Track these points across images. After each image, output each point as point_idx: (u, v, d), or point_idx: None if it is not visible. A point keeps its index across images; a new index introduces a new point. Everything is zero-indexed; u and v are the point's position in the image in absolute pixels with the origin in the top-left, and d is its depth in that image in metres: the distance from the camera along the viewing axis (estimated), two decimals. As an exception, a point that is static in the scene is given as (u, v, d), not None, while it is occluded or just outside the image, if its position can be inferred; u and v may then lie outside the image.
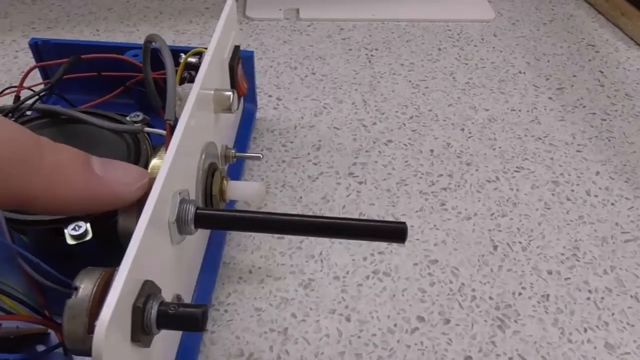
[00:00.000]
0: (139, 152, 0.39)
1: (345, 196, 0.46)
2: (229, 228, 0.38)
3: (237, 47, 0.45)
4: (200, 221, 0.31)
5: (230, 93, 0.40)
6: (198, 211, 0.30)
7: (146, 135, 0.40)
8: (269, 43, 0.65)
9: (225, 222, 0.31)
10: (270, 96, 0.57)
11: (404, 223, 0.30)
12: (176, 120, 0.33)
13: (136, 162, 0.39)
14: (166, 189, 0.28)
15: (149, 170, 0.35)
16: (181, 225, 0.30)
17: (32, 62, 0.53)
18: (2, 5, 0.70)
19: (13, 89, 0.44)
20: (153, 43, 0.39)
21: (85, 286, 0.25)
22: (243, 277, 0.40)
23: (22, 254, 0.31)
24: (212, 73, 0.38)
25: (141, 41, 0.60)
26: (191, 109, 0.34)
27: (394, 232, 0.31)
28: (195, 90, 0.35)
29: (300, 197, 0.46)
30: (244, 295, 0.39)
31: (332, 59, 0.63)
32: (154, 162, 0.35)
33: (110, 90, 0.47)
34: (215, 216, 0.31)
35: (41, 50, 0.51)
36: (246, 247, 0.42)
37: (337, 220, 0.31)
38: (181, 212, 0.30)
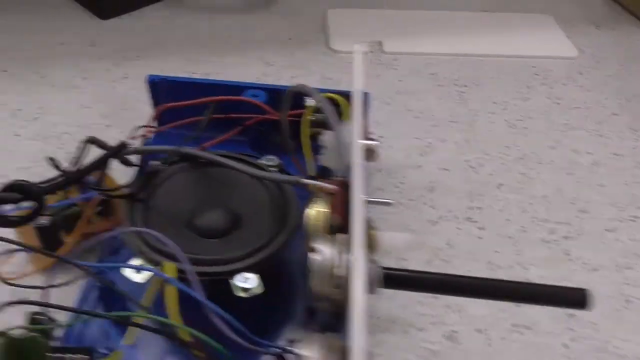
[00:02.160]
0: (284, 200, 0.40)
1: (468, 242, 0.47)
2: (416, 289, 0.37)
3: (366, 94, 0.45)
4: (390, 282, 0.31)
5: (376, 143, 0.40)
6: (386, 271, 0.31)
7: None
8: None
9: (414, 283, 0.32)
10: (372, 133, 0.57)
11: (584, 290, 0.30)
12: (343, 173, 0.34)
13: (284, 210, 0.39)
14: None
15: (308, 220, 0.36)
16: (371, 287, 0.31)
17: (131, 94, 0.60)
18: (90, 33, 0.70)
19: (148, 129, 0.45)
20: (308, 98, 0.39)
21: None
22: (386, 327, 0.40)
23: (214, 310, 0.31)
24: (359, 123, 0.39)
25: (232, 72, 0.62)
26: (361, 165, 0.34)
27: (574, 299, 0.31)
28: (357, 142, 0.35)
29: (425, 241, 0.46)
30: (390, 345, 0.39)
31: (424, 94, 0.63)
32: (310, 212, 0.36)
33: (218, 127, 0.48)
34: (404, 277, 0.31)
35: (159, 87, 0.51)
36: (385, 294, 0.42)
37: (522, 285, 0.31)
38: (371, 273, 0.30)
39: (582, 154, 0.56)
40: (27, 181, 0.36)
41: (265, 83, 0.51)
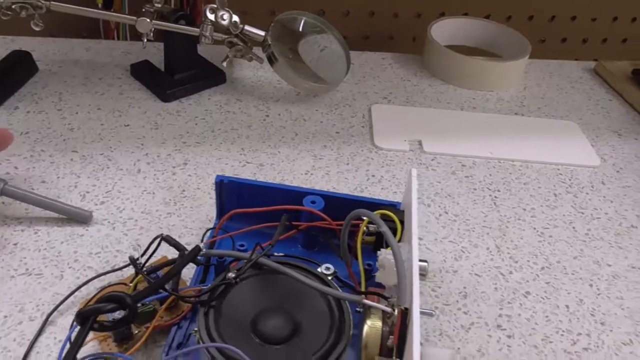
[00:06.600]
0: (342, 312, 0.45)
1: (498, 350, 0.52)
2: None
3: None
4: None
5: (426, 264, 0.46)
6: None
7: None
8: (400, 176, 0.71)
9: None
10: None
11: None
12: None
13: (341, 322, 0.45)
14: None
15: (364, 334, 0.41)
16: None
17: (190, 181, 0.67)
18: (153, 115, 0.77)
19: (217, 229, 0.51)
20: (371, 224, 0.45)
21: None
22: None
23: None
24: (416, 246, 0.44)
25: (284, 165, 0.69)
26: (418, 294, 0.40)
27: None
28: (416, 277, 0.41)
29: (459, 347, 0.52)
30: None
31: (460, 197, 0.69)
32: (368, 329, 0.42)
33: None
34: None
35: (225, 187, 0.57)
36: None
37: None
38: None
39: (603, 266, 0.62)
40: (123, 292, 0.42)
41: (322, 190, 0.57)
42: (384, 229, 0.44)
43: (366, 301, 0.43)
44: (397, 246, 0.42)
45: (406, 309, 0.40)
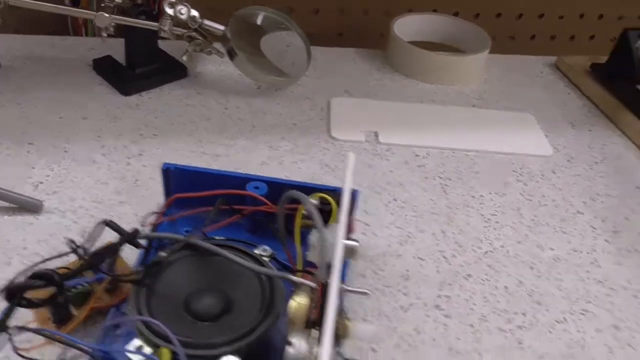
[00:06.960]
0: (273, 291, 0.47)
1: (434, 329, 0.53)
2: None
3: (354, 193, 0.52)
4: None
5: (356, 244, 0.47)
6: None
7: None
8: (354, 166, 0.72)
9: None
10: (358, 221, 0.64)
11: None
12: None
13: (272, 298, 0.46)
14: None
15: (290, 310, 0.42)
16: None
17: (144, 171, 0.68)
18: (112, 108, 0.78)
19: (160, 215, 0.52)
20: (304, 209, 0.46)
21: None
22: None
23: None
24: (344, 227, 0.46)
25: (240, 155, 0.71)
26: (340, 269, 0.41)
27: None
28: (340, 245, 0.42)
29: (395, 327, 0.53)
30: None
31: (411, 186, 0.70)
32: (292, 304, 0.43)
33: (223, 212, 0.56)
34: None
35: (172, 175, 0.58)
36: None
37: None
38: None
39: (545, 250, 0.63)
40: (51, 270, 0.43)
41: (267, 176, 0.58)
42: (309, 207, 0.45)
43: (291, 277, 0.44)
44: (320, 223, 0.43)
45: (326, 282, 0.41)
